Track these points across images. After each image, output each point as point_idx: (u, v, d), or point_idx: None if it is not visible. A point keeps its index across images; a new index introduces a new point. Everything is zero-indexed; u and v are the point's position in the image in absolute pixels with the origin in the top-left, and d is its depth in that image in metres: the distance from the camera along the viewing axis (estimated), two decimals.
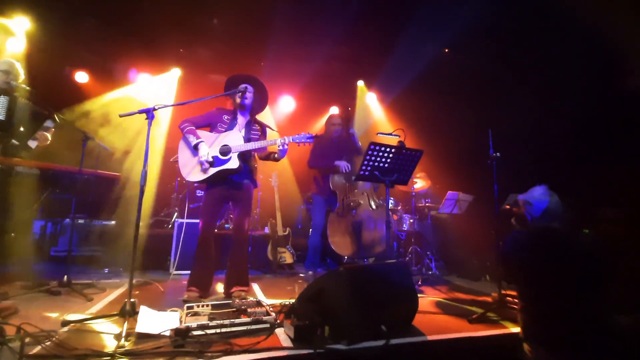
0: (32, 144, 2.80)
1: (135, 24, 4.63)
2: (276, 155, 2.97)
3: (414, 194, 4.44)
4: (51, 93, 4.19)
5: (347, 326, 1.90)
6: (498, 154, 2.89)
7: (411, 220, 4.51)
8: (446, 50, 5.19)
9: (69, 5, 4.29)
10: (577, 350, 1.53)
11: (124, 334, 1.83)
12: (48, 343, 1.71)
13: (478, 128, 3.45)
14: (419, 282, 3.67)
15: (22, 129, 2.74)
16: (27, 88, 2.73)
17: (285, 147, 2.84)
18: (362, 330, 1.92)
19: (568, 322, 1.58)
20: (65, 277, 2.86)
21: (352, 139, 3.95)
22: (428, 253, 4.36)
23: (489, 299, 3.07)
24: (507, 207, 2.12)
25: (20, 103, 2.73)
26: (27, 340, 1.68)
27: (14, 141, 2.67)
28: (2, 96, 2.65)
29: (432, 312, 2.67)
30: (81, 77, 5.42)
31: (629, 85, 3.39)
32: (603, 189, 3.54)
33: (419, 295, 2.34)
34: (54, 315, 2.23)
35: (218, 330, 1.94)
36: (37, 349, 1.68)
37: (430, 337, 2.06)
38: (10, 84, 2.70)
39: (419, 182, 4.74)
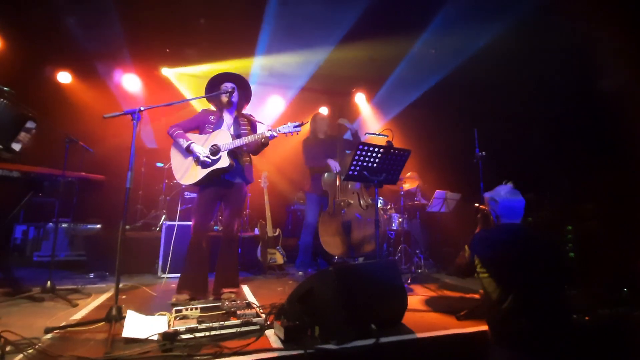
0: (16, 146, 2.71)
1: (120, 23, 4.54)
2: (263, 140, 2.89)
3: (402, 193, 4.48)
4: (32, 93, 4.11)
5: (336, 326, 1.90)
6: (484, 152, 2.95)
7: (400, 220, 4.55)
8: (432, 51, 5.26)
9: (48, 4, 4.19)
10: (539, 349, 1.56)
11: (110, 340, 1.80)
12: (30, 351, 1.67)
13: (465, 127, 3.52)
14: (408, 281, 3.70)
15: (2, 131, 2.66)
16: (5, 89, 2.65)
17: (275, 135, 2.82)
18: (352, 330, 1.92)
19: (532, 318, 1.62)
20: (49, 282, 2.79)
21: (344, 127, 3.96)
22: (417, 252, 4.41)
23: (476, 296, 3.12)
24: (477, 205, 2.19)
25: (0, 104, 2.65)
26: (7, 348, 1.63)
27: None
28: None
29: (421, 310, 2.70)
30: (64, 77, 5.30)
31: (604, 87, 3.50)
32: (583, 186, 3.65)
33: (408, 293, 2.36)
34: (36, 322, 2.16)
35: (207, 333, 1.92)
36: (18, 357, 1.63)
37: (419, 335, 2.08)
38: None
39: (408, 182, 4.79)
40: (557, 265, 1.73)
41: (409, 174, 4.90)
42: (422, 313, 2.60)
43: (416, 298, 3.05)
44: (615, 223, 3.15)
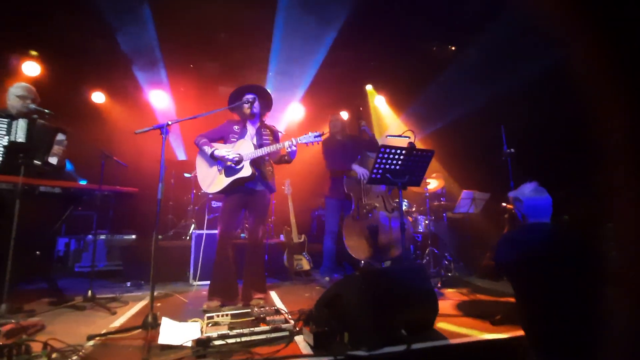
0: (53, 160, 2.92)
1: (145, 43, 4.78)
2: (286, 157, 3.01)
3: (427, 194, 4.38)
4: (70, 114, 4.39)
5: (366, 332, 1.88)
6: (512, 149, 2.84)
7: (426, 222, 4.44)
8: (452, 48, 5.15)
9: (78, 30, 4.48)
10: (575, 352, 1.49)
11: (147, 346, 1.87)
12: (75, 358, 1.76)
13: (490, 124, 3.40)
14: (438, 285, 3.60)
15: (41, 148, 2.86)
16: (46, 111, 2.85)
17: (294, 148, 2.88)
18: (382, 336, 1.89)
19: (566, 322, 1.55)
20: (90, 292, 2.95)
21: (366, 132, 3.95)
22: (446, 254, 4.28)
23: (512, 300, 2.98)
24: (503, 205, 2.11)
25: (38, 124, 2.86)
26: (53, 355, 1.73)
27: (36, 161, 2.78)
28: (21, 119, 2.78)
29: (453, 314, 2.61)
30: (98, 97, 5.63)
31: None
32: (617, 183, 3.41)
33: (438, 297, 2.30)
34: (79, 329, 2.28)
35: (238, 340, 1.95)
36: None
37: (452, 341, 2.02)
38: (29, 107, 2.83)
39: (433, 183, 4.68)
40: (591, 265, 1.64)
41: (433, 174, 4.80)
42: (454, 318, 2.52)
43: (447, 302, 2.96)
44: None
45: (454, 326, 2.30)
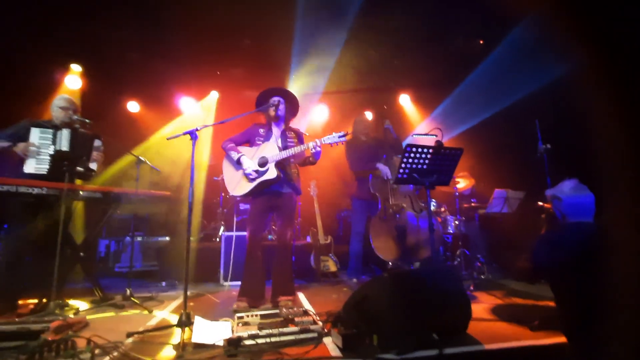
0: (94, 166, 3.12)
1: (176, 53, 4.99)
2: (311, 158, 3.03)
3: (457, 194, 4.25)
4: (108, 123, 4.67)
5: (395, 335, 1.84)
6: (548, 145, 2.69)
7: (456, 222, 4.31)
8: (481, 42, 4.96)
9: (114, 42, 4.74)
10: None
11: (181, 344, 1.94)
12: (115, 354, 1.86)
13: (523, 119, 3.24)
14: (471, 287, 3.47)
15: (82, 155, 3.06)
16: (87, 120, 3.04)
17: (318, 149, 2.89)
18: (412, 339, 1.85)
19: (609, 328, 1.42)
20: (128, 291, 3.11)
21: (390, 133, 3.89)
22: (478, 256, 4.13)
23: (551, 304, 2.82)
24: (540, 203, 1.99)
25: (79, 133, 3.06)
26: (96, 351, 1.83)
27: (78, 168, 2.97)
28: (65, 129, 2.98)
29: (487, 319, 2.51)
30: (133, 106, 5.93)
31: None
32: None
33: (471, 301, 2.22)
34: (119, 327, 2.40)
35: (268, 340, 1.98)
36: (105, 359, 1.82)
37: (487, 346, 1.93)
38: (71, 117, 3.03)
39: (462, 182, 4.53)
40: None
41: (461, 173, 4.64)
42: (488, 322, 2.42)
43: (481, 306, 2.85)
44: None
45: (489, 331, 2.21)
